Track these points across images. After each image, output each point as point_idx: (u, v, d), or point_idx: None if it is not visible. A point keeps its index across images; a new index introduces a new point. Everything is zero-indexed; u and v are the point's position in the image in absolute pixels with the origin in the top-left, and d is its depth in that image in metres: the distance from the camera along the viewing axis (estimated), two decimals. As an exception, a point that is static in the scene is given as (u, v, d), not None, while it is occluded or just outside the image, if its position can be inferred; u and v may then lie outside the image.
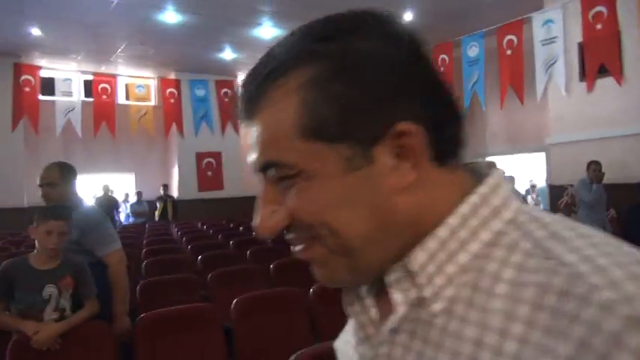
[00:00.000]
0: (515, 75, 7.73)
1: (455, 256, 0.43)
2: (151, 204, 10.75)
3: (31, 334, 2.09)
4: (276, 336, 2.59)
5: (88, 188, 11.30)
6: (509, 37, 7.83)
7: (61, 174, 2.58)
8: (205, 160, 11.93)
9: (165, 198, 10.86)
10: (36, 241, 2.25)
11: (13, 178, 9.70)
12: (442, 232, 0.43)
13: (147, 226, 9.06)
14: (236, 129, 11.73)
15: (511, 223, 0.43)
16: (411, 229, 0.44)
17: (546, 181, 8.25)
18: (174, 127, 11.48)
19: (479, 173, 0.48)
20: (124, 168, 11.88)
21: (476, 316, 0.40)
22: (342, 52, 0.42)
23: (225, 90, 11.96)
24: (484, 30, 8.10)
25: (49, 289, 2.20)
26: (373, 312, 0.48)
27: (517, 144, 9.69)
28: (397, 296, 0.44)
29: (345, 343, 0.54)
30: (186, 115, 11.63)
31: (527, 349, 0.36)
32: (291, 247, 0.47)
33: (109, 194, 10.05)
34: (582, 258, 0.37)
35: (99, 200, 9.43)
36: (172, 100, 11.47)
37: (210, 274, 3.58)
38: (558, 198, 6.01)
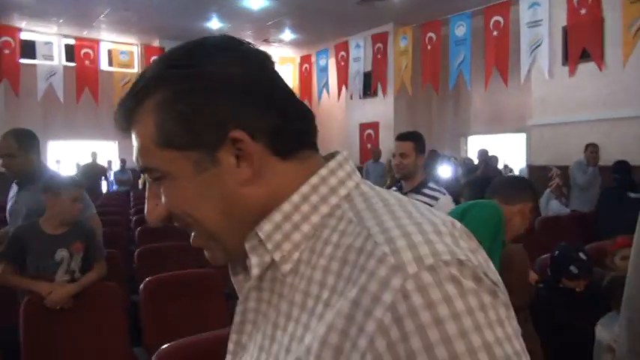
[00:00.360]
0: (500, 56, 7.88)
1: (299, 227, 0.53)
2: (135, 173, 10.71)
3: (45, 294, 2.19)
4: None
5: (69, 155, 11.19)
6: (496, 17, 7.94)
7: (19, 143, 2.43)
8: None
9: (149, 167, 10.82)
10: (47, 207, 2.32)
11: None
12: (286, 207, 0.54)
13: (131, 194, 9.05)
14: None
15: (345, 198, 0.54)
16: (262, 212, 0.54)
17: (526, 161, 8.51)
18: (158, 95, 11.36)
19: (328, 160, 0.58)
20: (107, 136, 11.74)
21: (309, 272, 0.50)
22: (185, 77, 0.52)
23: (210, 60, 11.84)
24: (472, 10, 8.19)
25: (61, 253, 2.29)
26: (241, 276, 0.58)
27: (499, 125, 9.92)
28: (253, 260, 0.54)
29: None
30: (171, 83, 11.51)
31: (335, 296, 0.46)
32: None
33: (95, 162, 9.95)
34: (378, 223, 0.48)
35: (85, 167, 9.37)
36: (156, 68, 11.32)
37: None
38: (537, 178, 6.25)
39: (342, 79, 11.00)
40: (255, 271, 0.54)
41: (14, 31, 9.87)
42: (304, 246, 0.53)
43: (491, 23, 7.96)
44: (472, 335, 0.42)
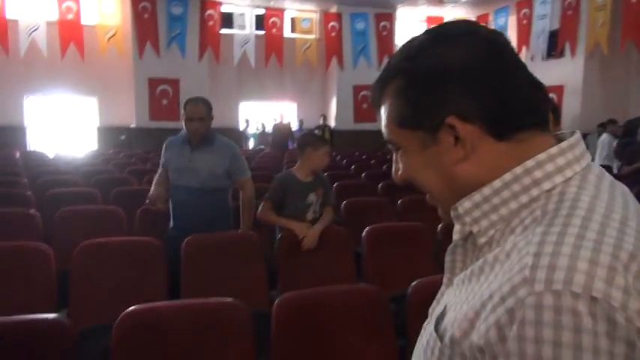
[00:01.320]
0: None
1: (497, 209, 0.60)
2: (312, 132, 11.61)
3: (301, 235, 2.73)
4: (400, 265, 2.78)
5: (257, 114, 12.53)
6: None
7: (208, 110, 2.78)
8: (362, 93, 12.39)
9: (324, 127, 11.66)
10: (300, 159, 2.84)
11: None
12: (486, 190, 0.61)
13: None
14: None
15: (545, 193, 0.57)
16: (473, 187, 0.61)
17: None
18: (334, 59, 12.00)
19: (553, 143, 0.60)
20: (288, 97, 12.88)
21: (497, 251, 0.57)
22: (416, 69, 0.61)
23: (383, 23, 12.06)
24: None
25: (311, 197, 2.82)
26: (455, 236, 0.68)
27: None
28: (456, 227, 0.66)
29: None
30: (346, 48, 12.04)
31: (494, 279, 0.53)
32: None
33: (284, 122, 10.94)
34: (545, 232, 0.52)
35: (276, 127, 10.40)
36: (333, 34, 11.92)
37: (343, 202, 3.77)
38: None
39: (523, 39, 10.37)
40: (455, 236, 0.67)
41: (216, 5, 11.24)
42: (499, 226, 0.60)
43: None
44: None
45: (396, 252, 2.81)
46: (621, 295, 0.45)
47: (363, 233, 2.84)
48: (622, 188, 0.62)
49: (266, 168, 6.73)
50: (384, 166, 7.02)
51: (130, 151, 9.04)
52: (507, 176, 0.59)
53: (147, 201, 2.81)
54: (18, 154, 8.23)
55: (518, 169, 0.59)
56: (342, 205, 3.76)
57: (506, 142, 0.60)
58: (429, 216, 3.05)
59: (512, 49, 0.62)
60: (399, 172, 0.69)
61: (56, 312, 1.96)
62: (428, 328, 0.67)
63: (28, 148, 10.32)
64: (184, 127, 2.78)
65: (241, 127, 12.17)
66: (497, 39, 0.62)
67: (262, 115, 12.43)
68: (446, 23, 0.65)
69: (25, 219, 3.02)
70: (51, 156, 8.06)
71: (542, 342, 0.45)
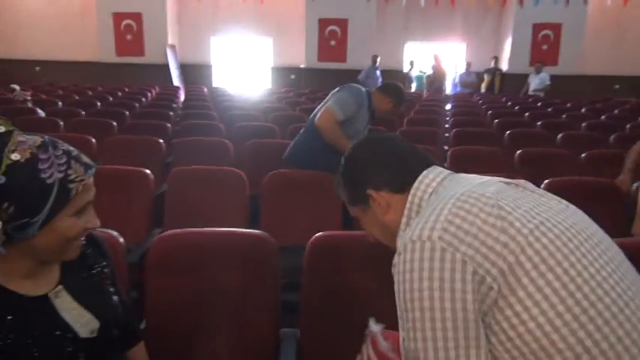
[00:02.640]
0: None
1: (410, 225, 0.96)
2: (479, 75, 10.91)
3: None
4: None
5: (418, 56, 12.12)
6: None
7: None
8: (542, 32, 11.13)
9: (494, 70, 10.84)
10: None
11: (366, 44, 11.13)
12: (402, 225, 0.99)
13: (475, 96, 9.33)
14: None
15: (427, 199, 0.97)
16: (397, 226, 0.99)
17: None
18: (513, -5, 10.89)
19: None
20: (457, 37, 12.16)
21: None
22: (345, 169, 1.10)
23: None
24: None
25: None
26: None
27: None
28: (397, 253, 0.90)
29: None
30: (529, -20, 10.79)
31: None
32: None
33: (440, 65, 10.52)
34: (424, 214, 0.89)
35: (434, 69, 10.06)
36: (516, -36, 10.74)
37: (517, 152, 3.52)
38: None
39: None
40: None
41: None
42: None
43: None
44: (414, 283, 0.79)
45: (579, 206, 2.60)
46: (451, 229, 0.81)
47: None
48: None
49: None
50: (564, 115, 6.36)
51: (298, 90, 9.53)
52: (406, 211, 0.99)
53: None
54: (206, 90, 9.28)
55: (407, 206, 0.99)
56: (516, 155, 3.51)
57: (403, 193, 1.00)
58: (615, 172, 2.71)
59: (394, 139, 1.09)
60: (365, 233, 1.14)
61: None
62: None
63: (212, 85, 11.52)
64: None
65: (405, 69, 11.92)
66: (381, 137, 1.13)
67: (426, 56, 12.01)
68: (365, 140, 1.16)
69: (221, 147, 3.46)
70: (232, 92, 8.89)
71: (405, 262, 0.82)
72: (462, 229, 0.79)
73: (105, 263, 1.04)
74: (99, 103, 6.48)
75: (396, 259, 0.84)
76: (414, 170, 0.99)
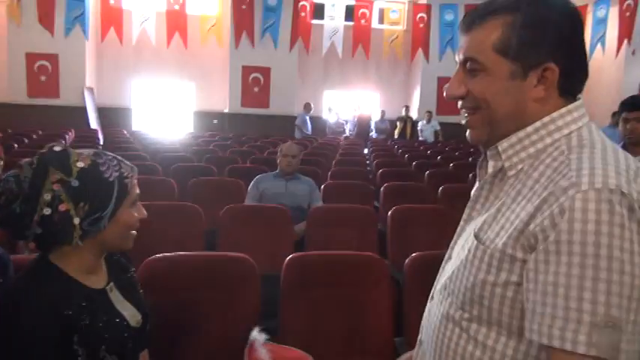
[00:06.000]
0: None
1: (527, 149, 0.77)
2: (392, 123, 11.77)
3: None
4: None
5: (336, 104, 12.84)
6: None
7: (299, 151, 3.52)
8: (446, 85, 12.28)
9: (406, 118, 11.77)
10: None
11: (288, 91, 11.67)
12: (520, 134, 0.78)
13: (389, 142, 10.08)
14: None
15: (566, 136, 0.76)
16: (524, 123, 0.77)
17: None
18: (419, 51, 12.05)
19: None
20: (371, 85, 13.11)
21: (524, 180, 0.75)
22: (530, 12, 0.75)
23: (473, 14, 11.89)
24: None
25: None
26: (482, 171, 0.87)
27: None
28: (490, 163, 0.82)
29: None
30: (433, 39, 12.03)
31: (534, 197, 0.71)
32: (461, 113, 0.84)
33: (366, 113, 11.29)
34: (578, 158, 0.71)
35: (360, 117, 10.74)
36: (421, 25, 11.95)
37: (440, 188, 4.02)
38: None
39: (625, 32, 9.86)
40: (490, 170, 0.82)
41: (310, -5, 11.65)
42: (527, 162, 0.77)
43: None
44: (603, 239, 0.62)
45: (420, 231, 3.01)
46: (635, 194, 0.66)
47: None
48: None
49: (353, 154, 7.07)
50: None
51: (222, 134, 9.70)
52: (537, 124, 0.77)
53: None
54: (126, 133, 9.15)
55: (546, 119, 0.77)
56: (440, 190, 3.99)
57: (562, 98, 0.78)
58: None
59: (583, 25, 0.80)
60: (460, 89, 0.81)
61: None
62: (460, 253, 0.82)
63: (132, 128, 11.33)
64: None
65: (324, 116, 12.57)
66: (579, 13, 0.79)
67: (344, 104, 12.74)
68: None
69: (166, 185, 3.56)
70: (153, 136, 8.84)
71: (587, 221, 0.63)
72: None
73: (134, 269, 1.20)
74: (16, 145, 6.21)
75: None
76: (580, 88, 0.80)
